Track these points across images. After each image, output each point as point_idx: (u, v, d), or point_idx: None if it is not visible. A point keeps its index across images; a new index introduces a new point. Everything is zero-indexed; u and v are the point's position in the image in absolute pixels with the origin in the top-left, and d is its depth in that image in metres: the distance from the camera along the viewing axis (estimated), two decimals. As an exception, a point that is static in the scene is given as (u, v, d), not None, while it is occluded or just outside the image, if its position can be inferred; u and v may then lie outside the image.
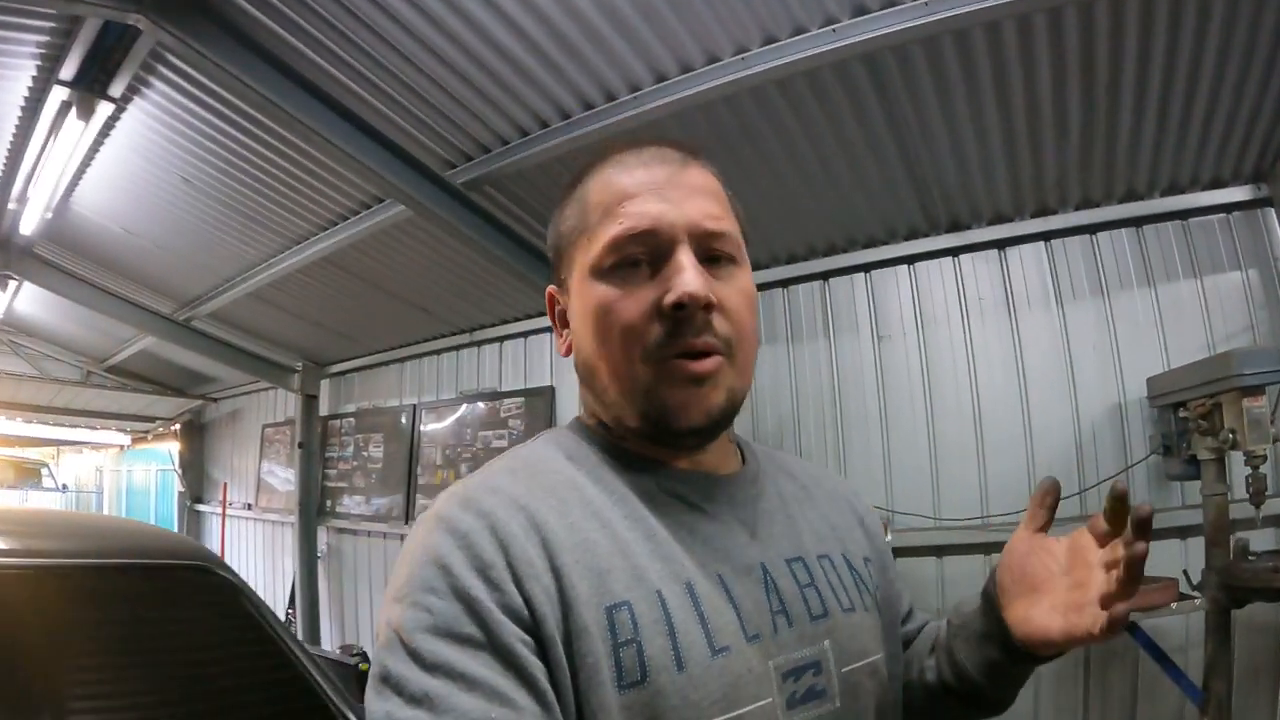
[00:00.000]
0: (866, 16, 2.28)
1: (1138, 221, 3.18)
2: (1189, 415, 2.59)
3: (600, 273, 0.81)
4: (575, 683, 0.68)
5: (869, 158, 2.96)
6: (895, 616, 0.99)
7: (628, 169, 0.84)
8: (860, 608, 0.87)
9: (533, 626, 0.68)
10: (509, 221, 3.34)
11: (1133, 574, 0.70)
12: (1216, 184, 3.04)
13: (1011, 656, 0.83)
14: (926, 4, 2.20)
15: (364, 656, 4.48)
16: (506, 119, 2.89)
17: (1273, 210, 2.99)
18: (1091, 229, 3.25)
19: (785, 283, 3.83)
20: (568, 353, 0.90)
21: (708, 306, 0.77)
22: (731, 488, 0.87)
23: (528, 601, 0.68)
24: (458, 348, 5.25)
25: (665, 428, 0.79)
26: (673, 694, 0.69)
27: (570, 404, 4.46)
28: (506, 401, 4.71)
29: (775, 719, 0.74)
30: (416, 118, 2.92)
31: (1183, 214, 3.12)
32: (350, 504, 5.80)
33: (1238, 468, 2.50)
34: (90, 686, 1.63)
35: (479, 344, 5.11)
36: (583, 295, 0.83)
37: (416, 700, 0.62)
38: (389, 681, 0.65)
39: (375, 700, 0.65)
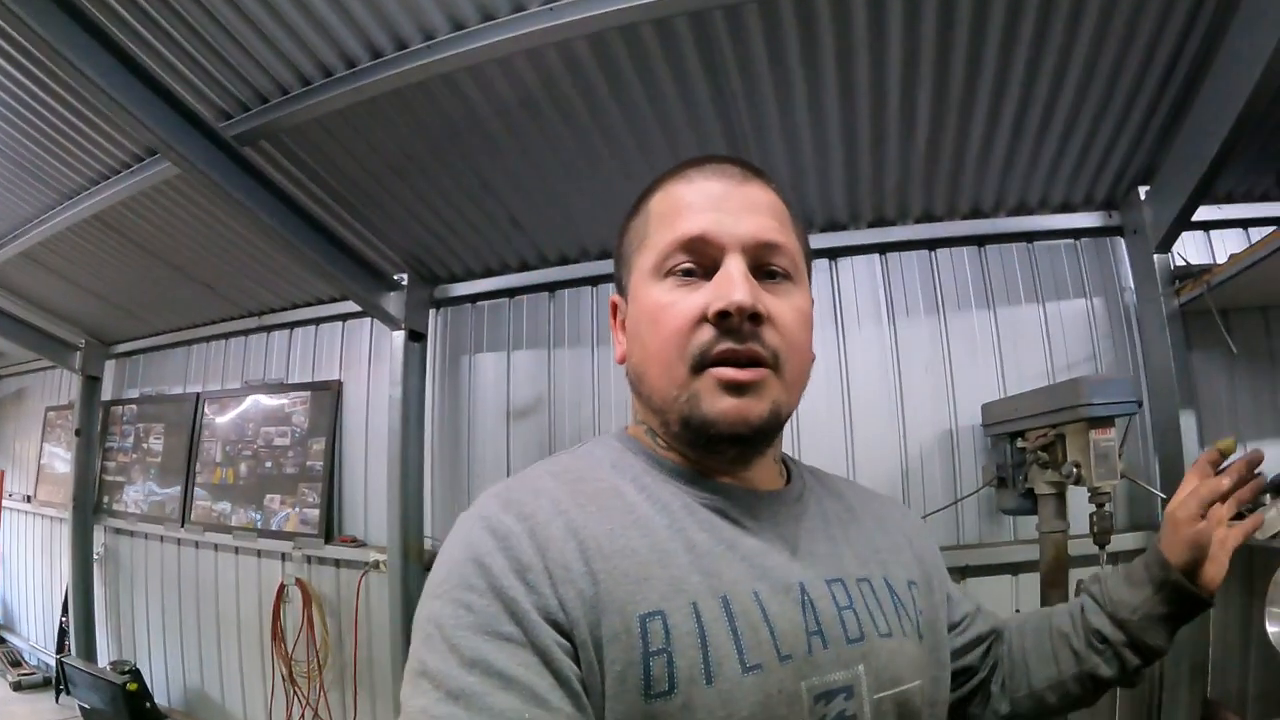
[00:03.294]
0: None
1: (980, 240, 3.02)
2: (1027, 446, 2.38)
3: (656, 276, 0.84)
4: (601, 688, 0.68)
5: (689, 137, 2.60)
6: (941, 641, 0.96)
7: (689, 181, 0.87)
8: (899, 633, 0.85)
9: (568, 630, 0.68)
10: (284, 181, 2.84)
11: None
12: (1066, 208, 2.92)
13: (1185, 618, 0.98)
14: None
15: (134, 675, 3.91)
16: (289, 65, 2.44)
17: (1122, 239, 2.88)
18: (930, 244, 3.05)
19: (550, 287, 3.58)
20: (622, 359, 0.92)
21: (754, 317, 0.78)
22: (774, 504, 0.88)
23: (563, 605, 0.69)
24: (246, 332, 4.61)
25: (705, 434, 0.80)
26: (700, 707, 0.68)
27: (358, 403, 4.00)
28: (291, 395, 4.17)
29: None
30: (189, 55, 2.43)
31: (1028, 236, 2.99)
32: (129, 501, 5.10)
33: (1075, 502, 2.33)
34: None
35: (269, 329, 4.50)
36: (638, 299, 0.86)
37: (453, 696, 0.63)
38: (427, 675, 0.65)
39: (412, 695, 0.66)
